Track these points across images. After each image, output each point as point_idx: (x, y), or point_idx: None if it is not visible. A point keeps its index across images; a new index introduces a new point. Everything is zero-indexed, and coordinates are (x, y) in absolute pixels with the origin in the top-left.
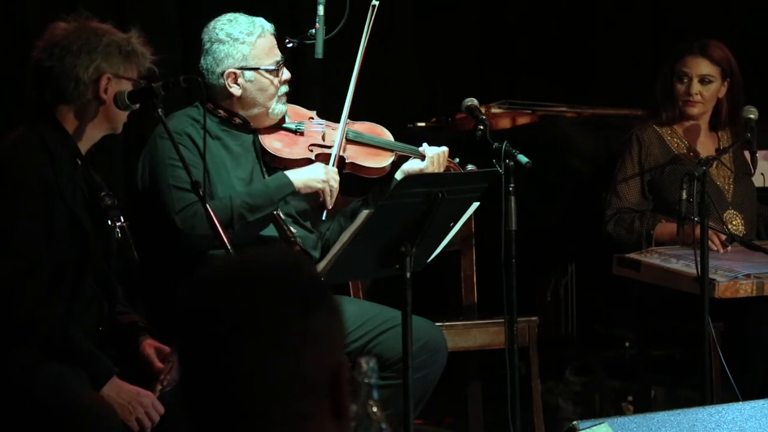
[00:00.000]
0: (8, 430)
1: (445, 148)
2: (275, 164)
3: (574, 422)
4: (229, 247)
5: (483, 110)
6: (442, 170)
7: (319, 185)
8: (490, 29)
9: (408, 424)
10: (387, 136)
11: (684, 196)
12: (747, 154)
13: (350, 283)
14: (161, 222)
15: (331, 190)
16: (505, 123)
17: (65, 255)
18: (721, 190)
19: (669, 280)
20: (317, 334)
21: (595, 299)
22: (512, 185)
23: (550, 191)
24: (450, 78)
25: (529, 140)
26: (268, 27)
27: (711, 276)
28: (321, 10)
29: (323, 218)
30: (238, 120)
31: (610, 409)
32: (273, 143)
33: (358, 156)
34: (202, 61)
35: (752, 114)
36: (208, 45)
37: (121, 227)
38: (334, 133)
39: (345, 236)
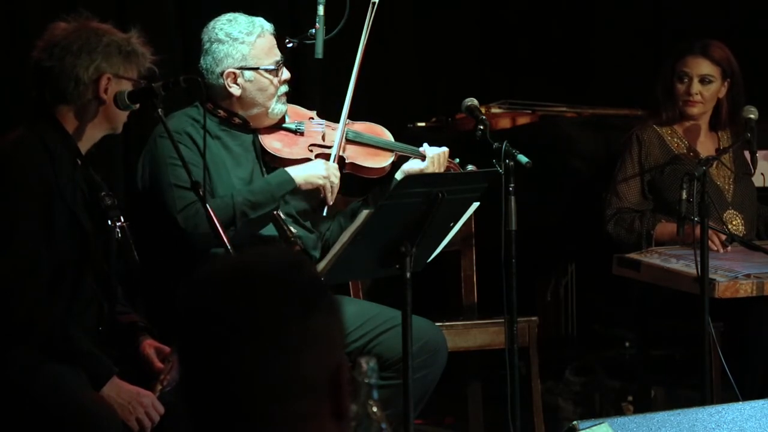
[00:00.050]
0: (8, 430)
1: (445, 149)
2: (275, 164)
3: (574, 422)
4: (229, 246)
5: (483, 110)
6: (442, 170)
7: (320, 181)
8: (490, 29)
9: (408, 424)
10: (387, 136)
11: (684, 196)
12: (747, 154)
13: (350, 283)
14: (162, 221)
15: (331, 187)
16: (505, 123)
17: (65, 255)
18: (721, 190)
19: (669, 280)
20: (317, 334)
21: (595, 299)
22: (512, 185)
23: (550, 191)
24: (450, 78)
25: (529, 140)
26: (268, 27)
27: (711, 276)
28: (321, 10)
29: (324, 214)
30: (237, 120)
31: (610, 409)
32: (273, 143)
33: (357, 156)
34: (201, 61)
35: (752, 114)
36: (207, 45)
37: (121, 227)
38: (334, 133)
39: (345, 236)
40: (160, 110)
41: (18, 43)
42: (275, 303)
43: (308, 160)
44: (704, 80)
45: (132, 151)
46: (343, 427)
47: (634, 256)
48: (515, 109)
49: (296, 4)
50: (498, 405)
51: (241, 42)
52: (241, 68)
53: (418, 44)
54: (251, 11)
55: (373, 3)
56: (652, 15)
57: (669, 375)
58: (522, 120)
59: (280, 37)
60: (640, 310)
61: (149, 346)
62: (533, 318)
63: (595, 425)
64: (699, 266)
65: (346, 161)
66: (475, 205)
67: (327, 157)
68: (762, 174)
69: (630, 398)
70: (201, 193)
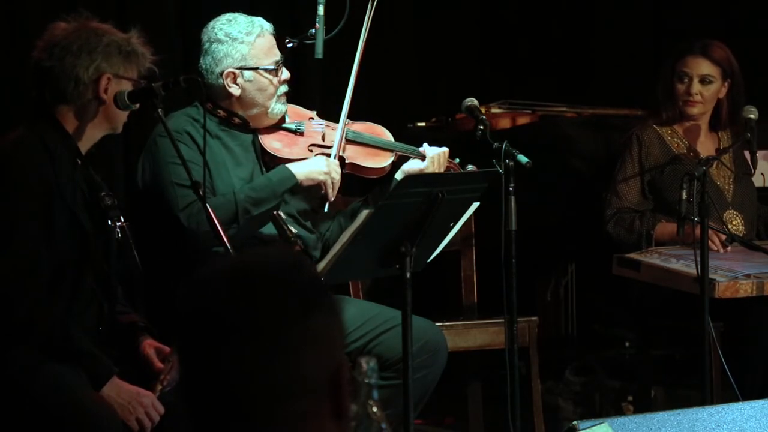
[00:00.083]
0: (8, 430)
1: (445, 149)
2: (275, 164)
3: (574, 422)
4: (229, 246)
5: (483, 110)
6: (442, 170)
7: (321, 177)
8: (490, 29)
9: (408, 424)
10: (387, 136)
11: (684, 196)
12: (747, 154)
13: (350, 283)
14: (164, 221)
15: (332, 182)
16: (505, 123)
17: (65, 255)
18: (721, 190)
19: (669, 280)
20: (317, 334)
21: (595, 299)
22: (512, 185)
23: (550, 191)
24: (450, 78)
25: (529, 140)
26: (267, 27)
27: (711, 276)
28: (321, 10)
29: (326, 210)
30: (237, 120)
31: (610, 409)
32: (272, 143)
33: (357, 156)
34: (201, 61)
35: (752, 114)
36: (207, 45)
37: (121, 227)
38: (333, 133)
39: (345, 236)
40: (160, 110)
41: (18, 43)
42: (275, 303)
43: None
44: (704, 80)
45: (132, 151)
46: (343, 427)
47: (634, 256)
48: (515, 109)
49: (296, 4)
50: (498, 405)
51: (240, 42)
52: (241, 68)
53: (418, 44)
54: (251, 11)
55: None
56: (652, 15)
57: (669, 375)
58: (522, 120)
59: (280, 37)
60: (640, 310)
61: (149, 346)
62: (533, 318)
63: (595, 425)
64: (699, 266)
65: (346, 161)
66: (475, 205)
67: (327, 157)
68: (762, 174)
69: (630, 398)
70: (201, 192)
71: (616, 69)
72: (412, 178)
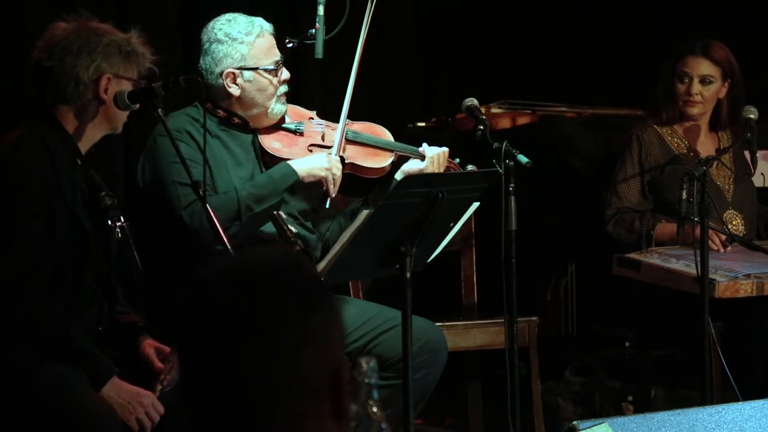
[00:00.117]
0: (8, 430)
1: (445, 149)
2: (275, 164)
3: (574, 422)
4: (228, 246)
5: (483, 110)
6: (442, 170)
7: (323, 173)
8: (490, 29)
9: (408, 424)
10: (387, 136)
11: (684, 196)
12: (747, 154)
13: (350, 283)
14: (164, 220)
15: (334, 178)
16: (505, 123)
17: (65, 255)
18: (721, 190)
19: (669, 280)
20: (317, 334)
21: (595, 299)
22: (512, 185)
23: (550, 191)
24: (450, 78)
25: (529, 140)
26: (267, 27)
27: (711, 276)
28: (321, 10)
29: (327, 206)
30: (237, 120)
31: (610, 409)
32: (272, 143)
33: (357, 156)
34: (201, 61)
35: (752, 114)
36: (207, 45)
37: (121, 227)
38: (333, 133)
39: (345, 236)
40: (160, 110)
41: (18, 43)
42: (275, 303)
43: None
44: (704, 80)
45: (132, 151)
46: (343, 427)
47: (634, 256)
48: (515, 109)
49: (296, 4)
50: (498, 405)
51: (240, 42)
52: (241, 68)
53: (418, 44)
54: (251, 11)
55: None
56: (652, 15)
57: (669, 375)
58: (522, 120)
59: (280, 37)
60: (640, 310)
61: (149, 346)
62: (533, 318)
63: (595, 425)
64: (699, 266)
65: (346, 161)
66: (475, 205)
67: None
68: (762, 174)
69: (630, 398)
70: (201, 192)
71: (616, 69)
72: (412, 178)
